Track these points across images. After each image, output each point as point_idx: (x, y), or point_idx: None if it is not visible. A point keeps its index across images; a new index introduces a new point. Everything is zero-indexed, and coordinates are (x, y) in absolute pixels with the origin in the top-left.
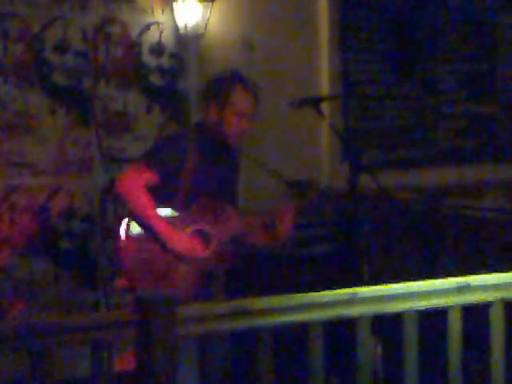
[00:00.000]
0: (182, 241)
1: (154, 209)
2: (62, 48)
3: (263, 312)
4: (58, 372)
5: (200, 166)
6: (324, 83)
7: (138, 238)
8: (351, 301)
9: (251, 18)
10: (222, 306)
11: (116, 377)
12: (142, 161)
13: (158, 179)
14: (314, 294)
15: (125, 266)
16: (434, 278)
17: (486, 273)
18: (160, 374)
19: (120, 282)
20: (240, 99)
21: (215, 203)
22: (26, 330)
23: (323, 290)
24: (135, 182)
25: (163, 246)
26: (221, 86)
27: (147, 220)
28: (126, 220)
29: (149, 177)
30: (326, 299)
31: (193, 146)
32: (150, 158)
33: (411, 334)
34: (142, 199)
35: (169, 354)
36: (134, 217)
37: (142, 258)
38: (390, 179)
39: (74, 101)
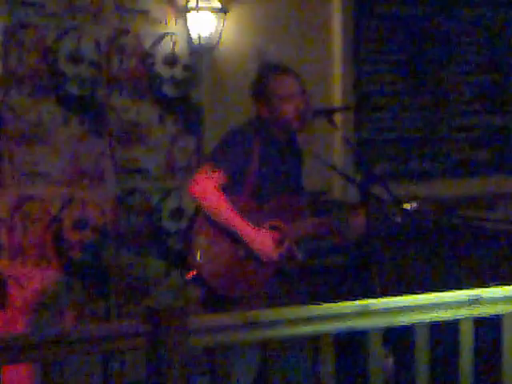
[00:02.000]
0: (265, 241)
1: (232, 209)
2: (75, 58)
3: (274, 323)
4: (71, 382)
5: (265, 162)
6: (337, 94)
7: (211, 231)
8: (362, 313)
9: (265, 30)
10: (233, 318)
11: None
12: (210, 162)
13: (227, 178)
14: (325, 305)
15: (197, 258)
16: (446, 290)
17: (497, 285)
18: None
19: (190, 274)
20: (279, 85)
21: (288, 200)
22: (38, 340)
23: (335, 301)
24: (208, 185)
25: (246, 246)
26: (258, 83)
27: (227, 222)
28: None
29: (219, 177)
30: (337, 311)
31: (256, 142)
32: (218, 158)
33: (422, 345)
34: (218, 201)
35: (180, 365)
36: (213, 219)
37: (215, 252)
38: (403, 190)
39: (88, 111)
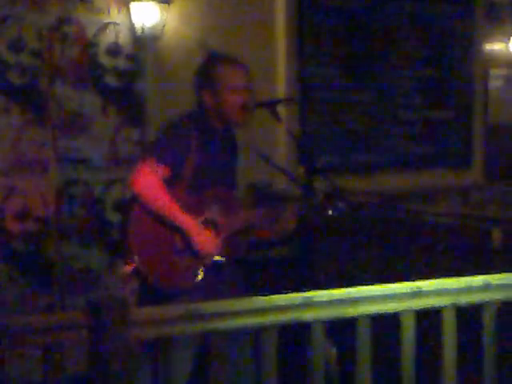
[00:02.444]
0: (207, 239)
1: (175, 205)
2: (17, 47)
3: (216, 315)
4: (12, 375)
5: (203, 155)
6: (281, 88)
7: (147, 224)
8: (305, 305)
9: (208, 21)
10: (176, 310)
11: (68, 380)
12: (152, 156)
13: (168, 171)
14: (268, 297)
15: (134, 252)
16: (389, 283)
17: (438, 278)
18: (113, 377)
19: (128, 268)
20: (228, 74)
21: (223, 192)
22: None
23: (278, 294)
24: (151, 181)
25: (189, 243)
26: (206, 71)
27: (171, 217)
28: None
29: (162, 171)
30: (280, 303)
31: (194, 134)
32: (159, 152)
33: (365, 338)
34: (161, 197)
35: (121, 357)
36: (156, 215)
37: (152, 246)
38: (346, 184)
39: (30, 100)
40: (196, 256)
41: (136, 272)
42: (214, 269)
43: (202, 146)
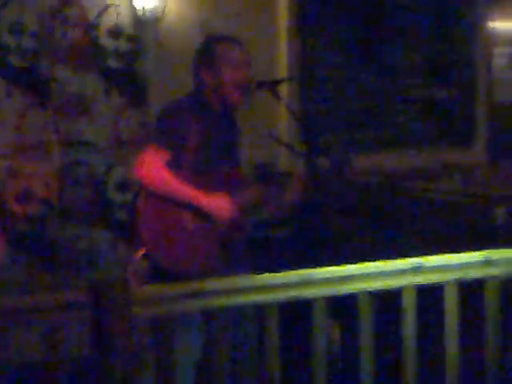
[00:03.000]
0: (220, 202)
1: (181, 183)
2: (18, 30)
3: (217, 293)
4: (14, 355)
5: (204, 136)
6: (282, 67)
7: (158, 210)
8: (305, 282)
9: (210, 2)
10: (177, 288)
11: (71, 359)
12: (153, 142)
13: (170, 155)
14: (268, 275)
15: (144, 236)
16: (391, 260)
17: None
18: (115, 357)
19: (140, 252)
20: (227, 52)
21: (227, 172)
22: None
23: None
24: (153, 164)
25: (202, 212)
26: (205, 50)
27: (180, 196)
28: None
29: (164, 155)
30: (280, 281)
31: (193, 116)
32: (159, 137)
33: (366, 315)
34: (164, 177)
35: (123, 337)
36: (164, 197)
37: (161, 228)
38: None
39: (31, 83)
40: (205, 234)
41: (146, 256)
42: (223, 249)
43: (202, 127)
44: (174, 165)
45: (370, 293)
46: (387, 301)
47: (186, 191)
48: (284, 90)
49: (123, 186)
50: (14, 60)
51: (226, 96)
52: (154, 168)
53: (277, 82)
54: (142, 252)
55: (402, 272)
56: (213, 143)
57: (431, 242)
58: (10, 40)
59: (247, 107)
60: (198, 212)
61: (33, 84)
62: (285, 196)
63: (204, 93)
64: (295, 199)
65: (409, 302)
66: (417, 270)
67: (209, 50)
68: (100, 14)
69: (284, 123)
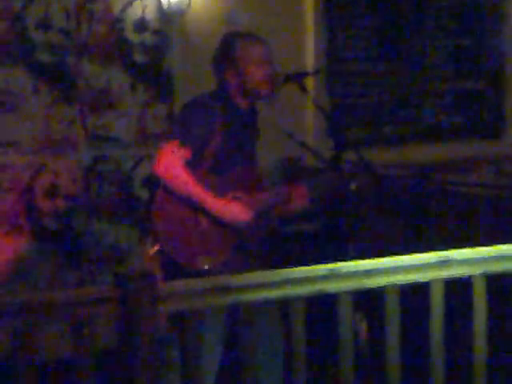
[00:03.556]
0: (235, 210)
1: (199, 185)
2: (45, 25)
3: (243, 288)
4: (41, 351)
5: (227, 134)
6: (309, 60)
7: (173, 207)
8: (331, 276)
9: None
10: (203, 283)
11: (98, 354)
12: (174, 139)
13: (191, 153)
14: (294, 269)
15: (159, 233)
16: (419, 253)
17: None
18: (141, 351)
19: (154, 249)
20: (251, 50)
21: (246, 171)
22: (6, 308)
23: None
24: (172, 163)
25: (217, 218)
26: (226, 49)
27: (196, 198)
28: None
29: (183, 153)
30: (306, 274)
31: (217, 113)
32: (182, 134)
33: (393, 308)
34: (182, 177)
35: (150, 331)
36: (179, 196)
37: (177, 226)
38: (376, 156)
39: (58, 78)
40: (221, 232)
41: (161, 253)
42: (238, 249)
43: (226, 125)
44: (195, 163)
45: (397, 286)
46: (415, 294)
47: (203, 196)
48: (311, 83)
49: (148, 183)
50: (41, 55)
51: (251, 91)
52: (173, 166)
53: (303, 75)
54: (156, 248)
55: (430, 265)
56: (235, 141)
57: (460, 235)
58: (37, 35)
59: (273, 101)
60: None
61: (59, 79)
62: (303, 196)
63: (228, 90)
64: (302, 205)
65: (436, 295)
66: (444, 263)
67: (229, 49)
68: (125, 8)
69: (311, 116)
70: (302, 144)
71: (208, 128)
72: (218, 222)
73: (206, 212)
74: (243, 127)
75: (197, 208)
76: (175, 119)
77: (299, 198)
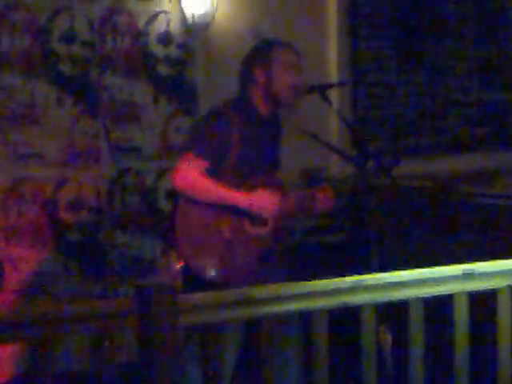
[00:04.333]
0: (263, 197)
1: (219, 185)
2: (68, 38)
3: (267, 300)
4: (61, 363)
5: (246, 142)
6: (333, 71)
7: (195, 220)
8: (355, 288)
9: (259, 6)
10: (225, 295)
11: (117, 367)
12: (190, 151)
13: (210, 163)
14: (318, 281)
15: (182, 248)
16: (443, 266)
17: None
18: (161, 364)
19: (178, 265)
20: (282, 54)
21: (268, 178)
22: (27, 319)
23: (332, 278)
24: (188, 173)
25: (245, 212)
26: (261, 50)
27: (220, 199)
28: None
29: (202, 164)
30: (330, 287)
31: (236, 121)
32: (198, 147)
33: (417, 321)
34: (201, 183)
35: (171, 344)
36: (202, 203)
37: (199, 239)
38: (401, 167)
39: (81, 91)
40: (246, 242)
41: (185, 267)
42: (260, 258)
43: (246, 133)
44: (215, 172)
45: (421, 299)
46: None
47: (226, 193)
48: (334, 94)
49: (172, 194)
50: (65, 68)
51: (276, 97)
52: (189, 176)
53: (327, 87)
54: (179, 264)
55: (454, 278)
56: (256, 148)
57: (485, 246)
58: (61, 48)
59: (297, 111)
60: (237, 217)
61: (83, 92)
62: (323, 201)
63: (253, 94)
64: (327, 206)
65: (461, 308)
66: (469, 276)
67: (264, 51)
68: (150, 22)
69: (334, 128)
70: (327, 144)
71: (224, 138)
72: (241, 232)
73: (228, 211)
74: (265, 134)
75: (218, 217)
76: (191, 130)
77: (323, 201)
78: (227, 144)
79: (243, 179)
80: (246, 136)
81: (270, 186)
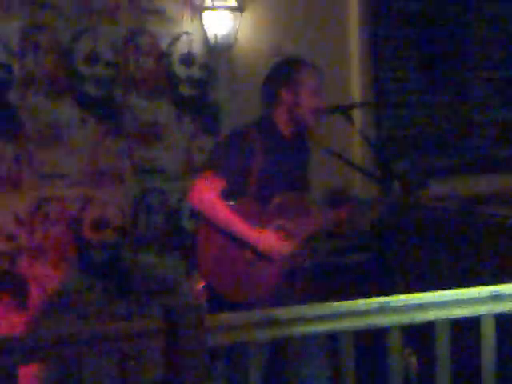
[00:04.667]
0: (270, 240)
1: (232, 214)
2: (92, 59)
3: (292, 321)
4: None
5: (269, 160)
6: (355, 91)
7: (216, 240)
8: (381, 310)
9: (281, 27)
10: (251, 316)
11: None
12: (210, 169)
13: (228, 183)
14: (344, 302)
15: (204, 268)
16: (469, 287)
17: None
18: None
19: (200, 285)
20: (310, 78)
21: (293, 197)
22: (54, 339)
23: (356, 299)
24: (208, 193)
25: (251, 248)
26: (287, 70)
27: (229, 227)
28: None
29: (219, 184)
30: (356, 308)
31: (258, 141)
32: (217, 166)
33: (443, 343)
34: (217, 207)
35: (197, 364)
36: (214, 226)
37: (221, 259)
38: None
39: (105, 111)
40: (267, 263)
41: (207, 288)
42: (285, 278)
43: (267, 154)
44: (234, 192)
45: (447, 321)
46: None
47: (237, 225)
48: (357, 114)
49: (196, 214)
50: (89, 88)
51: (300, 118)
52: (206, 196)
53: (350, 107)
54: (202, 284)
55: (481, 300)
56: (279, 169)
57: (509, 269)
58: (85, 69)
59: (321, 132)
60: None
61: (107, 112)
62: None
63: (277, 114)
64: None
65: (488, 330)
66: (496, 298)
67: (292, 72)
68: (172, 43)
69: (357, 148)
70: (350, 163)
71: (244, 158)
72: (262, 253)
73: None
74: (288, 152)
75: (235, 238)
76: (213, 149)
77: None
78: (247, 164)
79: (265, 199)
80: (267, 157)
81: (292, 206)
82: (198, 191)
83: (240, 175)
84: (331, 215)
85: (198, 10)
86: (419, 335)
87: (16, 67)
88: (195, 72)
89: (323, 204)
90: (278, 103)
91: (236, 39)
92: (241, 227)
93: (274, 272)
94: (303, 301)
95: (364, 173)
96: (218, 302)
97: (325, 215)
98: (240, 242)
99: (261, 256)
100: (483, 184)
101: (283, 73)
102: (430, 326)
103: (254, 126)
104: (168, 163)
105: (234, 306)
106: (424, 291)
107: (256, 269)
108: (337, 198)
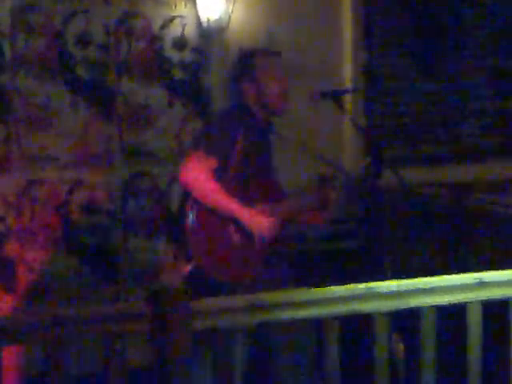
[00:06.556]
0: (261, 220)
1: (226, 194)
2: (84, 41)
3: (279, 306)
4: (73, 366)
5: (248, 146)
6: (347, 78)
7: (201, 218)
8: (367, 296)
9: (274, 12)
10: (238, 300)
11: (129, 370)
12: (201, 149)
13: (217, 162)
14: (329, 288)
15: (192, 251)
16: (456, 274)
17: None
18: (174, 367)
19: (188, 267)
20: (268, 64)
21: (268, 183)
22: (39, 322)
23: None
24: (198, 172)
25: (241, 225)
26: (244, 63)
27: (223, 207)
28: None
29: (210, 163)
30: (341, 294)
31: (240, 125)
32: (209, 145)
33: (428, 329)
34: (208, 185)
35: (183, 348)
36: (204, 205)
37: (212, 240)
38: (414, 175)
39: (96, 94)
40: (252, 241)
41: (195, 270)
42: (267, 262)
43: (248, 137)
44: (220, 173)
45: (433, 307)
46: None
47: (230, 204)
48: (348, 101)
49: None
50: (81, 71)
51: (268, 105)
52: (201, 176)
53: (341, 93)
54: (190, 265)
55: (467, 287)
56: (257, 152)
57: (497, 255)
58: (77, 51)
59: (310, 118)
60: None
61: (98, 95)
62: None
63: (247, 103)
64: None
65: (474, 317)
66: (482, 284)
67: (248, 64)
68: (165, 26)
69: (348, 135)
70: (329, 162)
71: (231, 138)
72: (249, 236)
73: (235, 224)
74: (263, 137)
75: (225, 219)
76: (203, 130)
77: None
78: (232, 144)
79: (243, 180)
80: (248, 139)
81: (268, 189)
82: (192, 171)
83: (226, 155)
84: (315, 197)
85: None
86: (406, 322)
87: (7, 48)
88: (187, 56)
89: (310, 187)
90: (245, 97)
91: (229, 23)
92: (234, 207)
93: (256, 254)
94: (287, 282)
95: (334, 167)
96: (205, 284)
97: (303, 199)
98: (225, 224)
99: (245, 237)
100: (474, 172)
101: (240, 67)
102: (416, 312)
103: (236, 110)
104: (159, 147)
105: (219, 289)
106: (411, 277)
107: (240, 250)
108: (323, 179)
